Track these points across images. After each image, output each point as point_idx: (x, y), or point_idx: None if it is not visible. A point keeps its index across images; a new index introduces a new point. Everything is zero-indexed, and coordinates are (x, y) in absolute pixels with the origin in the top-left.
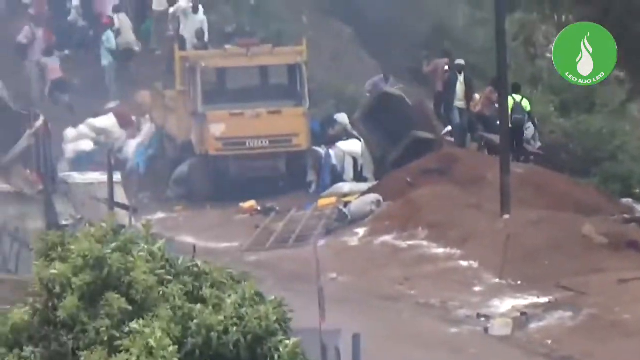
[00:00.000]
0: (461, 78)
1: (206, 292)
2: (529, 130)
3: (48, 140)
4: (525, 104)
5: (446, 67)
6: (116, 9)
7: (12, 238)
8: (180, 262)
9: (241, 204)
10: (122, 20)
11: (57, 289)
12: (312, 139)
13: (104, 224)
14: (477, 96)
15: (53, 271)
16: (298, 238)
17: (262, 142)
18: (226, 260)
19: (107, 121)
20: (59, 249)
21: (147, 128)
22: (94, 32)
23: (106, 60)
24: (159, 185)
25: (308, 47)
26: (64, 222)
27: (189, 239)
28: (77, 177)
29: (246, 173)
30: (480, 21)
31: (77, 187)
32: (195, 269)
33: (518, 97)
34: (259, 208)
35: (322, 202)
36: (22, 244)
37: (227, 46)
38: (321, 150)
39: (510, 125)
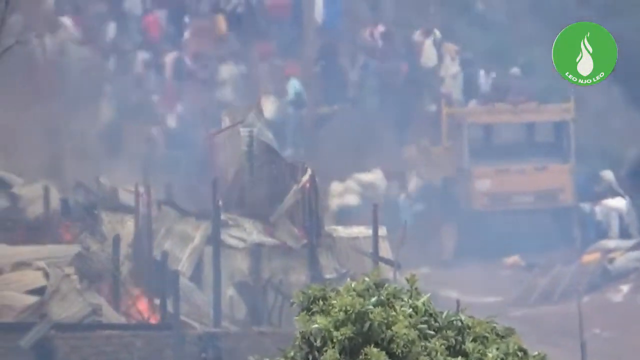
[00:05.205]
0: None
1: (468, 346)
2: None
3: (314, 195)
4: None
5: None
6: None
7: (276, 291)
8: (444, 316)
9: (505, 259)
10: None
11: (318, 343)
12: (578, 195)
13: (367, 278)
14: None
15: (315, 325)
16: (562, 293)
17: (527, 197)
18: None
19: (374, 176)
20: (321, 303)
21: (414, 183)
22: None
23: None
24: (424, 240)
25: (575, 104)
26: (327, 276)
27: (454, 294)
28: (342, 230)
29: (511, 228)
30: None
31: (341, 241)
32: (459, 323)
33: None
34: (523, 263)
35: (587, 258)
36: (285, 297)
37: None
38: (587, 206)
39: None
